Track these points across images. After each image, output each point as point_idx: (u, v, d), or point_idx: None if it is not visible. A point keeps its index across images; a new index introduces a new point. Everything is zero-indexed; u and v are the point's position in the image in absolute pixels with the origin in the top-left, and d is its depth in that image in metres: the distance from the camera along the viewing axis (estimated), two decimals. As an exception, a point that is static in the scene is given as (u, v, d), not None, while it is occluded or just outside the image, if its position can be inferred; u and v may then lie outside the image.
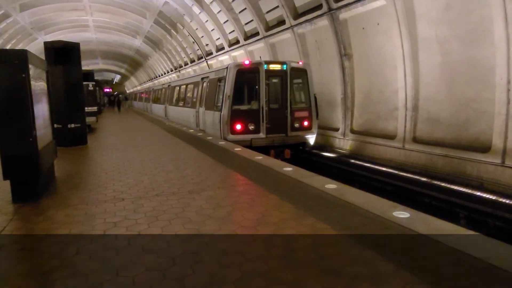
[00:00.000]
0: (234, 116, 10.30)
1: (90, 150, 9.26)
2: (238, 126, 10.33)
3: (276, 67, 10.53)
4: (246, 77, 10.47)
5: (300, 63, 11.08)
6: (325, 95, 13.05)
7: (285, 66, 10.53)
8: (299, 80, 11.23)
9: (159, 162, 7.25)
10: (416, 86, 9.39)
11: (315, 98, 11.12)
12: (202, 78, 13.45)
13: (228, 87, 10.28)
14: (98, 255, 3.05)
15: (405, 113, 9.72)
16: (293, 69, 10.69)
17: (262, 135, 10.44)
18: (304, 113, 11.02)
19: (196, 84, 14.43)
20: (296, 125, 10.82)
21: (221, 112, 10.50)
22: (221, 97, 10.77)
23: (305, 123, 10.99)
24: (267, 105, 10.39)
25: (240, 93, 10.69)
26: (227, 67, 10.65)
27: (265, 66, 10.30)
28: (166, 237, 3.40)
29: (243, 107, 10.65)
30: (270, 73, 10.46)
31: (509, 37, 6.91)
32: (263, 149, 9.85)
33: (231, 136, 10.29)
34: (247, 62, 10.42)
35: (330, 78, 12.72)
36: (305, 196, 4.60)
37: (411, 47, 9.21)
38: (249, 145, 10.00)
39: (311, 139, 11.19)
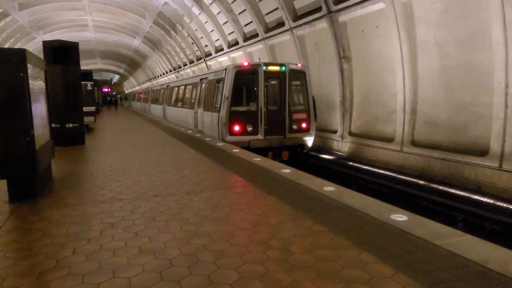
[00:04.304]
0: (233, 117, 10.30)
1: (88, 150, 9.23)
2: (236, 127, 10.32)
3: (275, 68, 10.53)
4: (245, 79, 10.45)
5: (299, 65, 11.08)
6: (323, 97, 13.06)
7: (284, 68, 10.53)
8: (298, 82, 11.22)
9: (157, 162, 7.23)
10: (415, 89, 9.41)
11: (314, 100, 11.12)
12: (201, 79, 13.44)
13: (226, 88, 10.28)
14: (94, 256, 3.03)
15: (403, 116, 9.74)
16: (292, 71, 10.69)
17: (260, 136, 10.43)
18: (303, 115, 11.02)
19: (194, 85, 14.42)
20: (294, 127, 10.83)
21: (219, 113, 10.50)
22: (219, 98, 10.76)
23: (303, 125, 10.99)
24: (266, 107, 10.38)
25: (239, 94, 10.67)
26: (225, 68, 10.64)
27: (264, 67, 10.30)
28: (163, 238, 3.39)
29: (242, 109, 10.64)
30: (269, 75, 10.45)
31: (507, 41, 6.93)
32: (261, 151, 9.85)
33: (229, 137, 10.28)
34: (246, 63, 10.42)
35: (329, 80, 12.74)
36: (303, 198, 4.59)
37: (410, 50, 9.24)
38: (247, 147, 10.00)
39: (309, 141, 11.19)
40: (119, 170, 6.55)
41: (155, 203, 4.53)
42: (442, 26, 8.41)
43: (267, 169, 6.43)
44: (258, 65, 10.36)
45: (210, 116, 11.58)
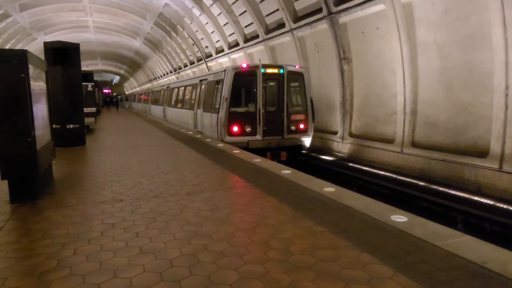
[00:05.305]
0: (231, 118, 10.40)
1: (88, 151, 9.25)
2: (235, 128, 10.42)
3: (273, 70, 10.67)
4: (244, 80, 10.56)
5: (297, 66, 11.20)
6: (323, 98, 13.07)
7: (282, 69, 10.68)
8: (296, 84, 11.34)
9: (158, 163, 7.24)
10: (415, 90, 9.42)
11: (312, 101, 11.25)
12: (201, 80, 13.51)
13: (225, 90, 10.38)
14: (95, 256, 3.04)
15: (403, 117, 9.74)
16: (290, 73, 10.82)
17: (258, 137, 10.53)
18: (301, 116, 11.15)
19: (194, 86, 14.48)
20: (293, 127, 10.97)
21: (218, 114, 10.58)
22: (218, 99, 10.86)
23: (301, 126, 11.13)
24: (264, 108, 10.51)
25: (238, 95, 10.78)
26: (225, 70, 10.75)
27: (262, 69, 10.43)
28: (163, 238, 3.40)
29: (240, 110, 10.75)
30: (267, 76, 10.57)
31: (507, 42, 6.94)
32: (260, 151, 9.93)
33: (228, 138, 10.37)
34: (244, 65, 10.55)
35: (329, 82, 12.75)
36: (303, 199, 4.60)
37: (410, 51, 9.25)
38: (246, 147, 10.06)
39: (307, 141, 11.33)
40: (120, 171, 6.56)
41: (155, 203, 4.54)
42: (442, 27, 8.42)
43: (267, 170, 6.44)
44: (257, 66, 10.47)
45: (209, 117, 11.64)
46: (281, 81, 10.67)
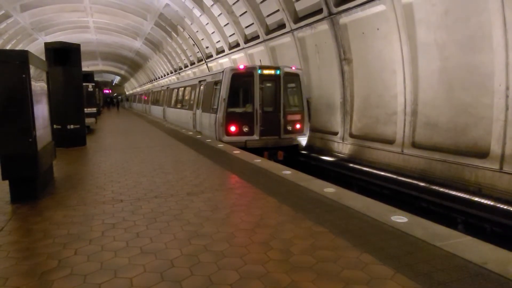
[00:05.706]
0: (229, 118, 10.54)
1: (89, 151, 9.26)
2: (233, 128, 10.56)
3: (270, 71, 10.83)
4: (241, 81, 10.73)
5: (293, 68, 11.35)
6: (324, 99, 13.08)
7: (278, 71, 10.84)
8: (293, 85, 11.52)
9: (158, 163, 7.25)
10: (415, 90, 9.42)
11: (308, 102, 11.37)
12: (200, 81, 13.60)
13: (223, 90, 10.51)
14: (96, 256, 3.05)
15: (404, 117, 9.74)
16: (287, 74, 10.97)
17: (256, 137, 10.67)
18: (297, 116, 11.32)
19: (193, 86, 14.57)
20: (289, 127, 11.13)
21: (216, 114, 10.68)
22: (217, 99, 10.99)
23: (298, 126, 11.30)
24: (261, 108, 10.65)
25: (235, 96, 10.95)
26: (223, 71, 10.91)
27: (259, 70, 10.59)
28: (164, 238, 3.41)
29: (238, 110, 10.89)
30: (264, 77, 10.73)
31: (507, 43, 6.94)
32: (257, 151, 10.04)
33: (226, 138, 10.49)
34: (242, 66, 10.79)
35: (329, 82, 12.75)
36: (304, 199, 4.61)
37: (410, 52, 9.25)
38: (244, 147, 10.14)
39: (303, 141, 11.53)
40: (120, 171, 6.57)
41: (156, 204, 4.54)
42: (443, 28, 8.42)
43: (268, 170, 6.44)
44: (254, 68, 10.68)
45: (208, 117, 11.76)
46: (277, 82, 10.83)
